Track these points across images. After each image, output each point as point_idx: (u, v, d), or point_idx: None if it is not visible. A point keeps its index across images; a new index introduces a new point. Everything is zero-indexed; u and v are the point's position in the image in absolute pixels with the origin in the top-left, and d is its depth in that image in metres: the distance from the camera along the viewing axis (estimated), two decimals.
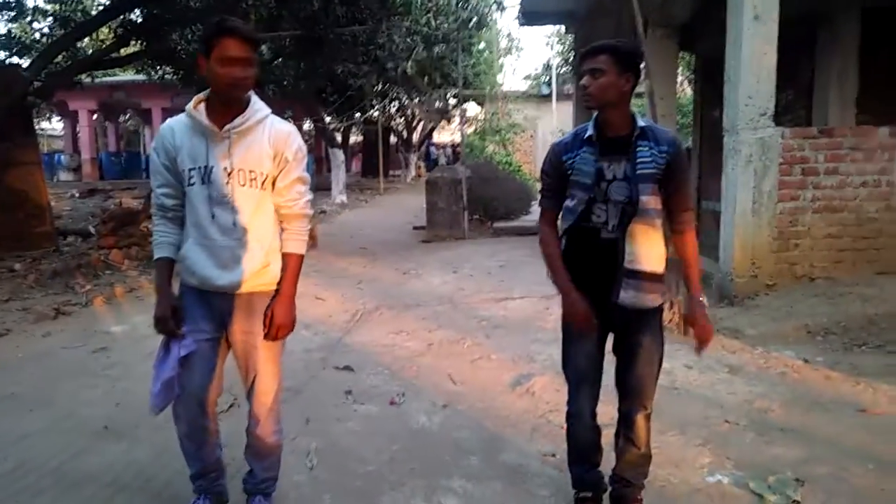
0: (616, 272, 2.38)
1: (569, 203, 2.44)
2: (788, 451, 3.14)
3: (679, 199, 2.43)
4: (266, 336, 2.39)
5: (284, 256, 2.44)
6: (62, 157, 28.46)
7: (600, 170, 2.37)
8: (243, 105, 2.33)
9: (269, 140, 2.34)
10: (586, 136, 2.42)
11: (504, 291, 6.67)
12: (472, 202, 11.45)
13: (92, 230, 10.71)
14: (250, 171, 2.32)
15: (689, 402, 3.80)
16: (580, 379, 2.56)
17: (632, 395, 2.52)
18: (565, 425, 2.67)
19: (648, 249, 2.38)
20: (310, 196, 2.51)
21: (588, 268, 2.44)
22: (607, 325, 2.49)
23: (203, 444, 2.55)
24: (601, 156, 2.38)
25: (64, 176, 27.27)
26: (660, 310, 2.51)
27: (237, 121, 2.30)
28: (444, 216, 11.04)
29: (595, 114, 2.44)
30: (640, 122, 2.38)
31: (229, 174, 2.31)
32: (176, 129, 2.36)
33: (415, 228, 12.25)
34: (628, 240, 2.35)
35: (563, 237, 2.50)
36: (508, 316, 5.84)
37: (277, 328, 2.39)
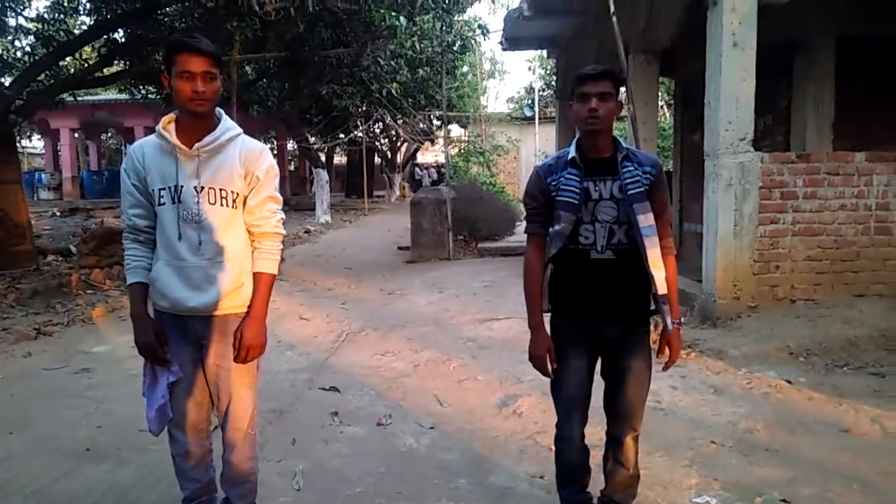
0: (611, 294, 2.42)
1: (556, 227, 2.45)
2: (774, 472, 3.17)
3: (662, 222, 2.46)
4: (236, 358, 2.36)
5: (255, 276, 2.40)
6: (43, 175, 28.20)
7: (586, 189, 2.40)
8: (213, 123, 2.33)
9: (239, 158, 2.33)
10: (569, 157, 2.45)
11: (490, 312, 6.68)
12: (457, 223, 11.50)
13: (73, 249, 10.60)
14: (221, 190, 2.31)
15: (674, 423, 3.82)
16: (570, 403, 2.54)
17: (622, 419, 2.53)
18: (554, 448, 2.67)
19: (661, 272, 2.42)
20: (282, 215, 2.49)
21: (579, 290, 2.46)
22: (596, 349, 2.51)
23: (198, 464, 2.52)
24: (586, 176, 2.41)
25: (44, 194, 26.99)
26: (648, 332, 2.54)
27: (207, 139, 2.29)
28: (429, 237, 11.07)
29: (577, 136, 2.48)
30: (624, 145, 2.44)
31: (199, 192, 2.29)
32: (146, 149, 2.35)
33: (399, 249, 12.26)
34: (653, 269, 2.38)
35: (552, 262, 2.51)
36: (494, 336, 5.85)
37: (247, 349, 2.35)
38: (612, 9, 5.43)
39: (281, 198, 2.48)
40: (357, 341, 5.85)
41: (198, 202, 2.29)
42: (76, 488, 3.11)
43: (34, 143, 36.49)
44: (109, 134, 34.26)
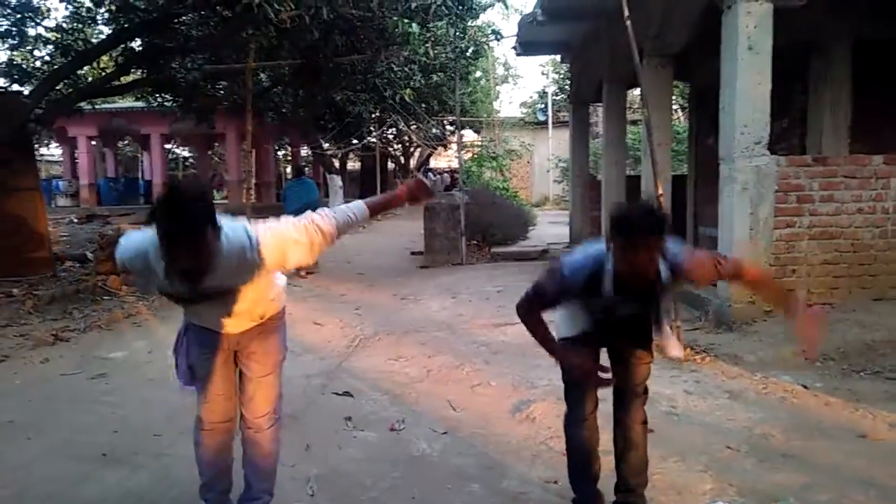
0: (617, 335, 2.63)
1: (570, 312, 2.63)
2: (790, 478, 3.14)
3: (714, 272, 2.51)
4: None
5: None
6: (60, 182, 28.49)
7: (616, 304, 2.45)
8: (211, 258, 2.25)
9: (235, 258, 2.29)
10: (605, 276, 2.39)
11: (503, 317, 6.66)
12: (470, 228, 11.50)
13: (90, 256, 10.70)
14: (236, 284, 2.39)
15: (689, 428, 3.80)
16: (581, 386, 2.72)
17: (630, 397, 2.72)
18: (566, 436, 2.80)
19: None
20: (308, 223, 2.43)
21: (588, 335, 2.64)
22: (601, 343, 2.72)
23: (221, 448, 2.67)
24: (617, 293, 2.41)
25: (62, 201, 27.27)
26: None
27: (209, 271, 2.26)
28: (443, 242, 11.08)
29: (612, 257, 2.36)
30: (663, 271, 2.39)
31: (210, 292, 2.36)
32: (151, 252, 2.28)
33: (412, 254, 12.27)
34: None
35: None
36: (508, 341, 5.84)
37: None
38: (627, 13, 5.42)
39: (296, 229, 2.41)
40: (370, 346, 5.86)
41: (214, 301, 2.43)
42: (93, 493, 3.15)
43: (52, 151, 36.90)
44: (126, 141, 34.61)
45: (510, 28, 51.51)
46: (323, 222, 2.42)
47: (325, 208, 2.49)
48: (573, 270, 2.45)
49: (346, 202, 2.68)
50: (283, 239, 2.37)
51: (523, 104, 32.98)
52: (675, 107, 17.30)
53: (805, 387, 4.38)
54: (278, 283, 2.65)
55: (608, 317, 2.51)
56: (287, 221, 2.42)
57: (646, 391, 2.76)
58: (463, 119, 18.69)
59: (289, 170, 33.50)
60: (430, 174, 32.17)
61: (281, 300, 2.70)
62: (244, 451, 2.72)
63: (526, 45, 11.80)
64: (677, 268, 2.41)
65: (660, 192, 5.55)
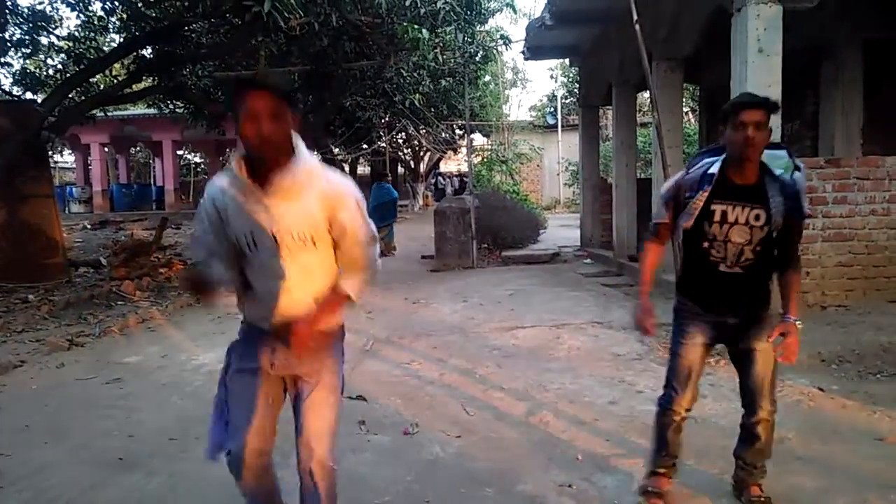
0: (734, 298, 2.63)
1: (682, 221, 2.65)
2: (807, 481, 3.12)
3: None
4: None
5: (335, 288, 2.28)
6: (74, 189, 28.74)
7: (724, 212, 2.53)
8: (287, 160, 2.10)
9: (318, 199, 2.14)
10: (712, 176, 2.55)
11: (515, 320, 6.67)
12: (481, 231, 11.51)
13: (103, 261, 10.79)
14: (299, 234, 2.14)
15: (704, 430, 3.77)
16: (681, 374, 2.74)
17: (752, 401, 2.75)
18: (657, 417, 2.86)
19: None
20: (376, 249, 2.32)
21: (705, 291, 2.68)
22: (716, 335, 2.74)
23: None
24: (725, 199, 2.52)
25: (75, 208, 27.52)
26: (766, 318, 2.71)
27: (280, 178, 2.09)
28: (453, 246, 11.09)
29: (724, 156, 2.57)
30: (775, 171, 2.55)
31: (276, 239, 2.13)
32: (224, 187, 2.20)
33: (423, 258, 12.29)
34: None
35: (684, 258, 2.73)
36: (520, 345, 5.84)
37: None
38: (636, 16, 5.42)
39: (374, 231, 2.29)
40: (383, 350, 5.87)
41: (275, 248, 2.16)
42: (109, 498, 3.17)
43: (65, 158, 37.25)
44: (138, 148, 34.87)
45: (519, 32, 51.54)
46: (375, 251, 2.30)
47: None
48: (690, 178, 2.64)
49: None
50: (352, 225, 2.19)
51: (533, 108, 32.98)
52: (685, 109, 17.25)
53: (821, 389, 4.35)
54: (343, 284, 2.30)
55: (717, 250, 2.56)
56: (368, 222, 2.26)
57: (769, 399, 2.75)
58: (472, 123, 18.71)
59: None
60: (439, 178, 32.25)
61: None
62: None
63: (534, 50, 11.81)
64: (789, 194, 2.50)
65: None
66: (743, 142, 2.42)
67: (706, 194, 2.52)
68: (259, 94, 2.02)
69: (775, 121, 5.58)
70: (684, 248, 2.67)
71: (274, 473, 2.42)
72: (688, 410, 2.80)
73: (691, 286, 2.74)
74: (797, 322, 2.57)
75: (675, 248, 2.76)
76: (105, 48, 11.83)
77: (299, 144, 2.15)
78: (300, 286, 2.21)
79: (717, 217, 2.52)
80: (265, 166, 2.09)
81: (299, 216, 2.13)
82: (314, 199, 2.13)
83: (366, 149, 20.94)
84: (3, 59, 10.41)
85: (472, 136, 20.17)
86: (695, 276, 2.70)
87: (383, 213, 12.83)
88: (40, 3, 11.27)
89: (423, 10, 8.99)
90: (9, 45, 10.23)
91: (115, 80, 11.87)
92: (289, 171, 2.09)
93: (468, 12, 9.94)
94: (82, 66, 10.42)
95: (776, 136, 5.62)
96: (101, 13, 10.78)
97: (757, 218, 2.49)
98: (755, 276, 2.59)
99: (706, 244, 2.58)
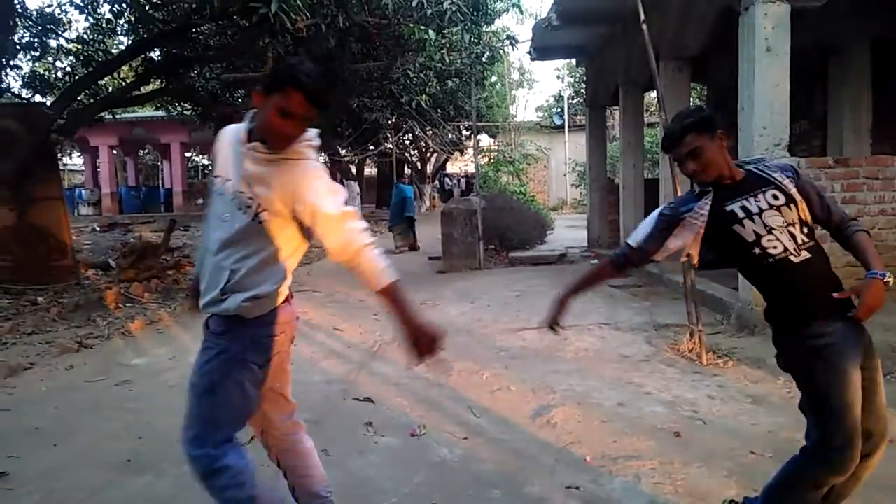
0: (826, 290, 2.38)
1: (708, 256, 2.44)
2: None
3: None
4: None
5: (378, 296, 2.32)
6: (83, 191, 28.94)
7: (743, 206, 2.31)
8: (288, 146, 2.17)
9: (292, 181, 2.15)
10: (704, 185, 2.39)
11: (522, 321, 6.65)
12: (488, 232, 11.50)
13: (112, 263, 10.84)
14: (259, 204, 2.15)
15: (712, 432, 3.76)
16: (855, 416, 2.25)
17: (876, 430, 2.37)
18: (803, 491, 2.42)
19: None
20: (357, 227, 2.24)
21: (805, 294, 2.38)
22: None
23: None
24: (730, 199, 2.33)
25: (84, 210, 27.70)
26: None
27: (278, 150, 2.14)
28: (460, 247, 11.08)
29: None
30: (749, 165, 2.41)
31: (238, 192, 2.16)
32: (227, 135, 2.29)
33: (430, 259, 12.29)
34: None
35: (756, 284, 2.47)
36: (527, 346, 5.83)
37: None
38: (643, 16, 5.40)
39: (349, 210, 2.23)
40: (390, 352, 5.87)
41: (231, 200, 2.21)
42: (117, 500, 3.18)
43: (74, 160, 37.49)
44: (146, 150, 35.07)
45: (525, 33, 51.52)
46: (361, 227, 2.25)
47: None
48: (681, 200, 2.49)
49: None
50: (314, 192, 2.14)
51: (539, 108, 32.97)
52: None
53: None
54: (273, 273, 2.26)
55: (771, 243, 2.29)
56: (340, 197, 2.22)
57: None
58: (479, 124, 18.71)
59: None
60: (446, 179, 32.26)
61: (264, 304, 2.27)
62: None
63: (541, 50, 11.81)
64: (774, 166, 2.37)
65: (678, 194, 5.51)
66: (692, 175, 2.33)
67: (709, 197, 2.36)
68: (303, 95, 2.06)
69: (783, 121, 5.59)
70: (750, 275, 2.43)
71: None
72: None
73: (792, 301, 2.37)
74: (882, 275, 2.32)
75: (745, 286, 2.52)
76: (113, 51, 11.87)
77: (311, 144, 2.22)
78: (229, 247, 2.22)
79: (740, 213, 2.30)
80: (269, 144, 2.14)
81: (276, 186, 2.14)
82: (292, 177, 2.15)
83: (373, 150, 20.97)
84: (12, 62, 10.47)
85: (479, 136, 20.17)
86: (785, 288, 2.37)
87: (399, 209, 14.41)
88: (49, 6, 11.38)
89: (429, 11, 8.99)
90: (18, 47, 10.29)
91: (124, 83, 11.96)
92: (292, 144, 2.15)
93: (475, 13, 9.93)
94: (91, 69, 10.48)
95: (784, 137, 5.60)
96: (109, 16, 10.84)
97: (775, 197, 2.30)
98: (825, 260, 2.39)
99: (757, 249, 2.30)
